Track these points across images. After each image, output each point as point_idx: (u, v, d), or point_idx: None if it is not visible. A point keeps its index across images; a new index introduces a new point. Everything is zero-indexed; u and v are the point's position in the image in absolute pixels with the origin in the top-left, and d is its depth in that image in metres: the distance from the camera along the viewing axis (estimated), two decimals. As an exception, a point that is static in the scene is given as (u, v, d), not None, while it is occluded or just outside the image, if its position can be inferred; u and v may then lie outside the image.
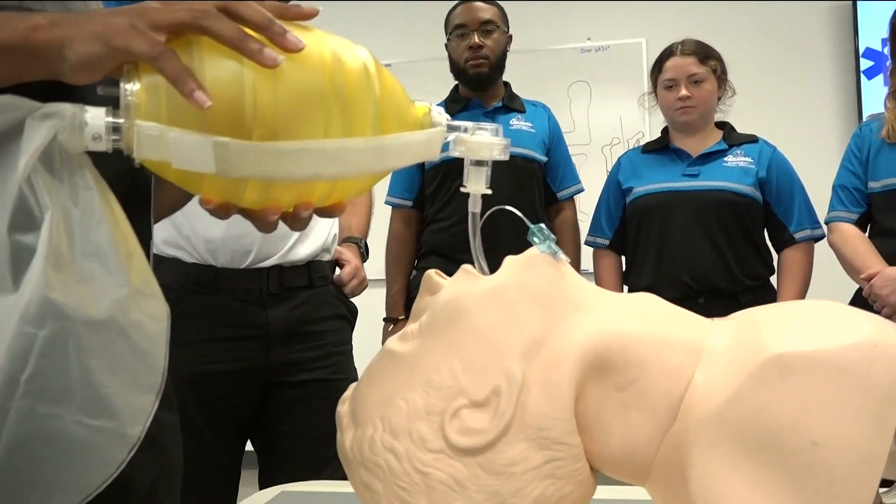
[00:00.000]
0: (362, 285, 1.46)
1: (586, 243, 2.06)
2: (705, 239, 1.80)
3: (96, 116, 0.47)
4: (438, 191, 1.93)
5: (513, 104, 2.02)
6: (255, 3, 0.49)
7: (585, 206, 2.49)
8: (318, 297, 1.36)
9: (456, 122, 0.58)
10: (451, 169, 1.88)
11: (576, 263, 2.06)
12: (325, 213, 0.56)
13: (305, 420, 1.30)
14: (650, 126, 3.29)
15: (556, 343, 0.52)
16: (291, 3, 0.57)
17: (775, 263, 1.90)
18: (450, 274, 0.59)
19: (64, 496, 0.46)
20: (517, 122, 1.98)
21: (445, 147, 0.58)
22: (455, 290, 0.56)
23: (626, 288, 1.99)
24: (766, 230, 1.89)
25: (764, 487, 0.44)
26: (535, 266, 0.55)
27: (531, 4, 3.51)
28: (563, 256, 0.56)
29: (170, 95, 0.47)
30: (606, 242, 2.01)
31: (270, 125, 0.48)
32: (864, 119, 1.83)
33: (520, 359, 0.51)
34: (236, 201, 0.53)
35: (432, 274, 0.59)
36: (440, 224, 1.94)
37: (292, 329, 1.32)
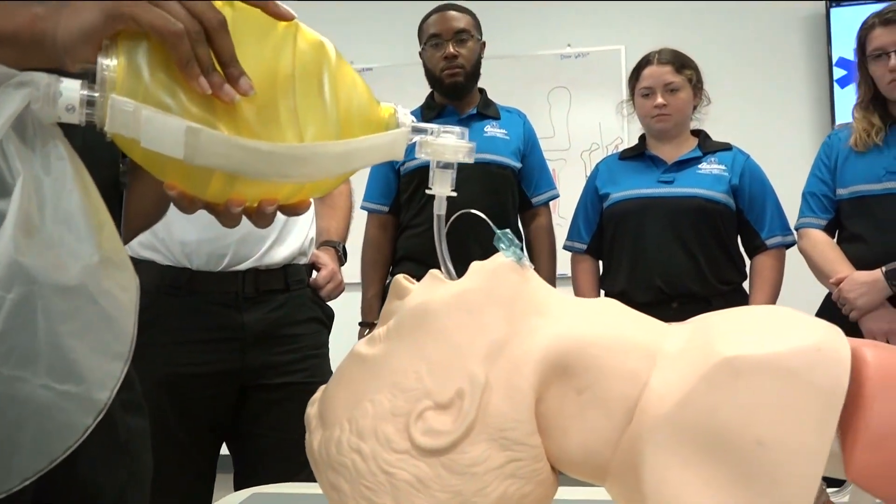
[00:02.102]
0: (339, 289, 1.47)
1: (564, 248, 2.08)
2: (679, 244, 1.83)
3: (71, 88, 0.47)
4: (413, 197, 1.95)
5: (487, 111, 2.04)
6: (229, 38, 0.50)
7: (565, 212, 2.52)
8: (294, 300, 1.37)
9: (422, 125, 0.59)
10: (426, 175, 1.89)
11: (551, 268, 2.08)
12: (289, 210, 0.57)
13: (281, 423, 1.31)
14: (629, 132, 3.34)
15: (518, 346, 0.53)
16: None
17: (748, 269, 1.93)
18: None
19: (29, 461, 0.46)
20: (491, 129, 2.00)
21: (412, 150, 0.59)
22: (422, 294, 0.57)
23: (602, 292, 2.01)
24: (739, 236, 1.92)
25: (713, 486, 0.46)
26: (500, 272, 0.56)
27: (512, 10, 3.54)
28: (527, 262, 0.58)
29: (148, 75, 0.48)
30: (584, 247, 2.03)
31: (239, 121, 0.50)
32: (834, 128, 1.86)
33: (483, 362, 0.53)
34: (199, 192, 0.53)
35: (401, 279, 0.61)
36: (415, 230, 1.95)
37: (268, 332, 1.32)
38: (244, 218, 0.56)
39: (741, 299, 1.87)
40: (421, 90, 2.10)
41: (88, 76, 0.48)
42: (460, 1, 2.06)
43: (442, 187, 0.60)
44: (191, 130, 0.47)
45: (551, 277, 2.08)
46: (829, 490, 0.56)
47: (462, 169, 0.60)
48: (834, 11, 3.32)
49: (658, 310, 1.76)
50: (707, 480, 0.46)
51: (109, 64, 0.47)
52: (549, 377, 0.52)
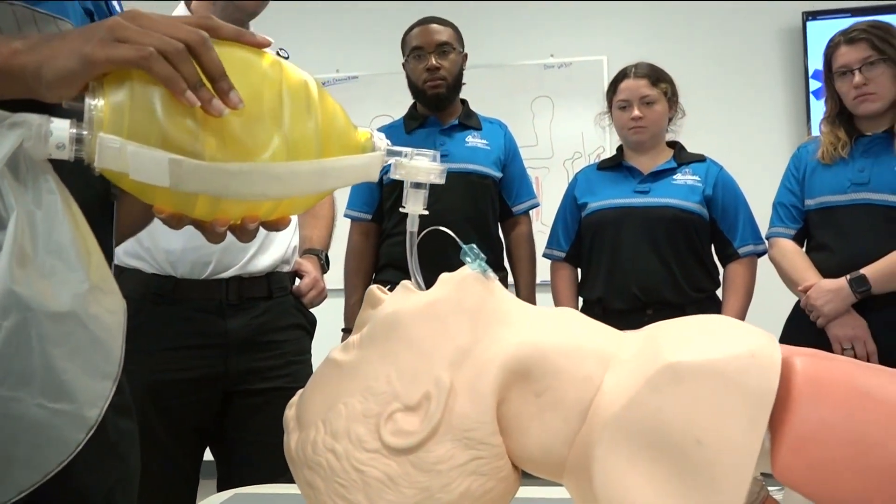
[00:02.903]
0: (321, 296, 1.50)
1: (544, 255, 2.13)
2: (654, 253, 1.88)
3: (61, 127, 0.51)
4: (396, 205, 1.98)
5: (469, 122, 2.08)
6: (215, 53, 0.53)
7: (548, 219, 2.58)
8: (277, 307, 1.40)
9: (396, 148, 0.63)
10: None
11: (531, 275, 2.12)
12: (270, 226, 0.61)
13: (263, 428, 1.34)
14: (611, 142, 3.39)
15: (482, 353, 0.57)
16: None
17: (721, 277, 1.99)
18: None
19: (24, 474, 0.49)
20: (473, 140, 2.05)
21: (387, 169, 0.63)
22: (394, 304, 0.61)
23: (581, 299, 2.06)
24: (712, 245, 1.98)
25: (657, 481, 0.50)
26: (467, 283, 0.60)
27: (497, 21, 3.60)
28: (491, 274, 0.62)
29: (132, 112, 0.51)
30: (563, 255, 2.08)
31: (220, 146, 0.53)
32: (804, 141, 1.93)
33: (449, 367, 0.57)
34: (187, 212, 0.57)
35: (374, 289, 0.65)
36: (398, 237, 1.99)
37: (252, 338, 1.36)
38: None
39: (714, 306, 1.93)
40: (406, 98, 2.14)
41: (74, 113, 0.51)
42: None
43: (415, 205, 0.64)
44: (174, 161, 0.51)
45: (531, 284, 2.12)
46: (771, 488, 0.60)
47: (444, 178, 0.64)
48: (810, 25, 3.41)
49: (634, 316, 1.81)
50: (651, 476, 0.50)
51: (96, 104, 0.51)
52: (510, 381, 0.56)
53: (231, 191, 0.53)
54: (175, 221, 0.57)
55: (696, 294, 1.89)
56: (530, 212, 2.17)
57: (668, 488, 0.50)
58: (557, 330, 0.59)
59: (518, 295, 2.11)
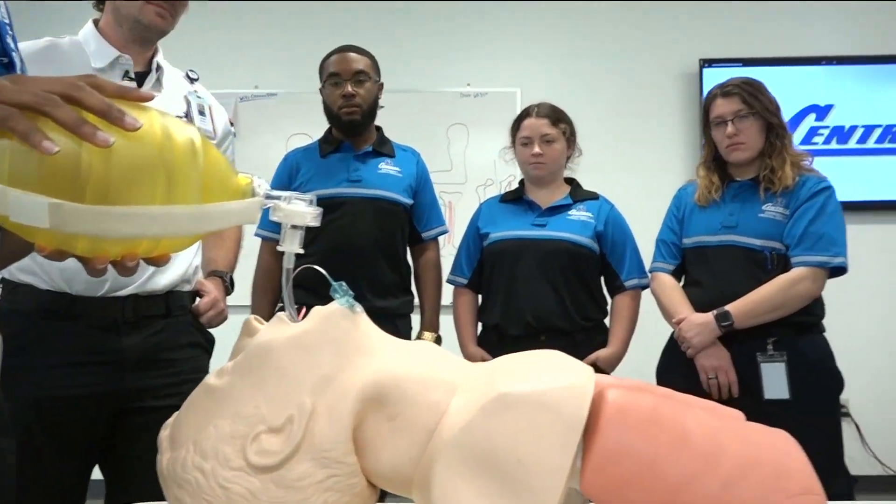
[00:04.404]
0: (220, 317, 1.52)
1: (447, 281, 2.22)
2: (547, 283, 2.00)
3: None
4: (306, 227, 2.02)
5: (383, 149, 2.15)
6: (94, 90, 0.58)
7: (459, 243, 2.67)
8: (175, 325, 1.41)
9: (275, 192, 0.69)
10: (320, 205, 1.98)
11: (436, 299, 2.20)
12: (151, 262, 0.65)
13: (153, 445, 1.34)
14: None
15: (344, 380, 0.64)
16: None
17: (609, 307, 2.13)
18: (311, 307, 0.68)
19: None
20: (385, 167, 2.12)
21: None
22: (267, 334, 0.67)
23: (480, 324, 2.16)
24: (602, 277, 2.12)
25: (486, 496, 0.58)
26: (333, 317, 0.67)
27: (416, 48, 3.71)
28: (358, 309, 0.68)
29: (13, 158, 0.55)
30: (465, 281, 2.18)
31: (102, 190, 0.57)
32: (683, 184, 2.10)
33: (312, 392, 0.63)
34: (69, 249, 0.60)
35: (251, 319, 0.70)
36: (307, 259, 2.01)
37: (147, 356, 1.36)
38: None
39: (601, 334, 2.06)
40: (324, 118, 2.18)
41: None
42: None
43: (291, 245, 0.69)
44: (53, 205, 0.55)
45: (436, 308, 2.20)
46: None
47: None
48: (706, 71, 3.68)
49: (528, 342, 1.92)
50: (481, 492, 0.58)
51: None
52: (367, 406, 0.63)
53: (110, 232, 0.57)
54: (57, 256, 0.61)
55: (585, 322, 2.02)
56: (440, 237, 2.26)
57: (495, 502, 0.57)
58: (413, 361, 0.66)
59: (423, 317, 2.18)
